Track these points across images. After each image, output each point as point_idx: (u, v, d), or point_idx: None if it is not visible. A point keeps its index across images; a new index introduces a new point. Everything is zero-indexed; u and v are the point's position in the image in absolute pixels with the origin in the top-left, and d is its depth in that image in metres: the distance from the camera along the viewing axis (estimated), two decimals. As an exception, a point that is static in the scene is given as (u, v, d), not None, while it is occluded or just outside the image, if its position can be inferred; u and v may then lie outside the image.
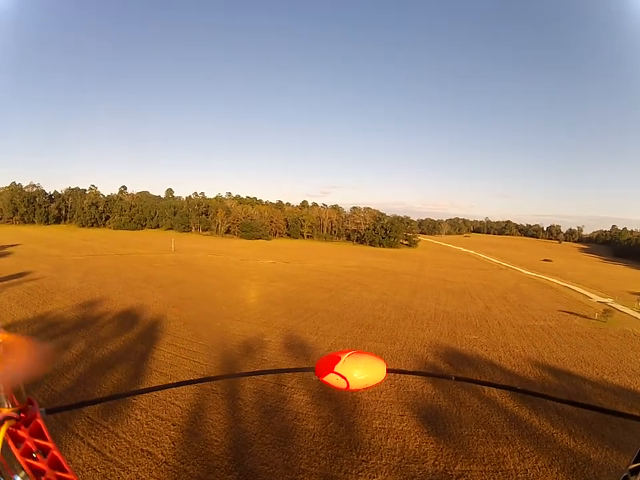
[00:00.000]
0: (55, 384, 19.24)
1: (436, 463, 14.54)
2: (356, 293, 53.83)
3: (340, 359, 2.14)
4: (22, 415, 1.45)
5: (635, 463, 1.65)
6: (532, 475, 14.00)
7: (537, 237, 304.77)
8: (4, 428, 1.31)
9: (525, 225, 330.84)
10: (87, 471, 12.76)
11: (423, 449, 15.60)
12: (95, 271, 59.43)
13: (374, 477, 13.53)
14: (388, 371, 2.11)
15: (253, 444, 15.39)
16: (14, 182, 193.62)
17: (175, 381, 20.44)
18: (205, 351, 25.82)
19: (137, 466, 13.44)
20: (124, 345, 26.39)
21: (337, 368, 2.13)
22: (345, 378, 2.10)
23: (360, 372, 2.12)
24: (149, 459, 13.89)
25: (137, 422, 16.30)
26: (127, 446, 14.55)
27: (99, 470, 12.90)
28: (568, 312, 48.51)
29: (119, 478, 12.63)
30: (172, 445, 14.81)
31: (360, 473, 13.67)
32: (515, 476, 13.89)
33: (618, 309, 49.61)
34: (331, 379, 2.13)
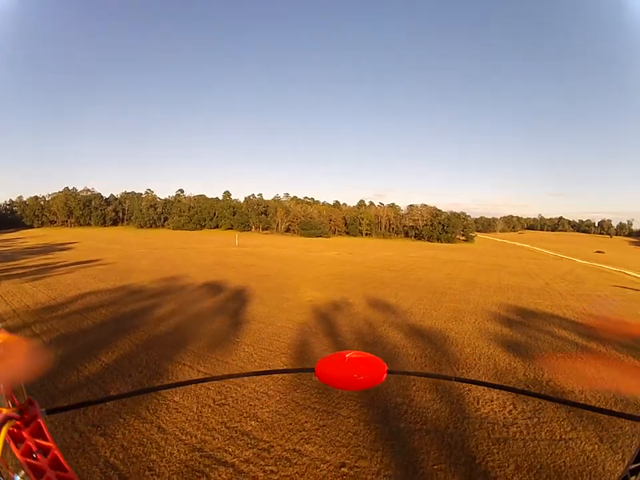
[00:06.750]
0: (154, 330, 21.37)
1: (526, 373, 16.55)
2: (422, 273, 56.73)
3: (340, 359, 2.17)
4: (22, 415, 1.47)
5: (634, 463, 1.68)
6: (608, 380, 15.72)
7: (589, 232, 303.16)
8: (5, 428, 1.33)
9: (577, 221, 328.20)
10: (200, 389, 13.95)
11: (512, 365, 17.61)
12: (164, 258, 63.15)
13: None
14: (388, 372, 2.12)
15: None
16: (67, 187, 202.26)
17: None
18: (295, 308, 28.19)
19: (254, 383, 14.75)
20: (215, 304, 28.77)
21: (337, 369, 2.13)
22: (345, 379, 2.16)
23: (360, 373, 2.10)
24: (266, 377, 15.34)
25: (246, 353, 18.25)
26: (241, 370, 16.27)
27: (212, 388, 14.12)
28: (622, 287, 50.80)
29: (235, 392, 13.82)
30: (285, 366, 16.96)
31: (464, 379, 15.76)
32: (595, 382, 15.64)
33: (671, 285, 50.36)
34: (331, 379, 2.14)
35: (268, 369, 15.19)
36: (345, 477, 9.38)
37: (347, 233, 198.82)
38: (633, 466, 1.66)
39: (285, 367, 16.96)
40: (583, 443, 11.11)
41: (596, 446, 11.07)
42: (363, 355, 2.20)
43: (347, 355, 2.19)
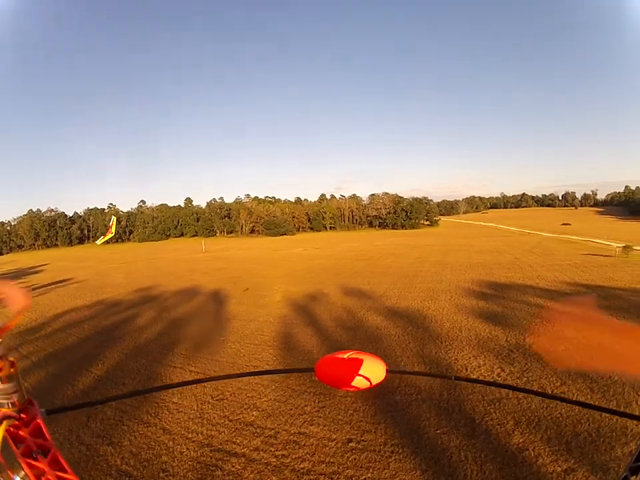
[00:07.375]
0: (138, 338, 21.46)
1: (508, 340, 17.32)
2: (392, 260, 57.56)
3: (340, 359, 2.21)
4: (22, 415, 1.47)
5: (635, 462, 1.67)
6: (589, 338, 16.58)
7: (554, 206, 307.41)
8: (3, 427, 1.34)
9: (541, 196, 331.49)
10: (197, 388, 14.15)
11: (493, 334, 18.36)
12: (135, 271, 61.79)
13: (462, 350, 16.24)
14: (388, 371, 2.19)
15: (350, 347, 17.95)
16: (31, 209, 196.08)
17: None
18: (273, 304, 28.52)
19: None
20: (194, 308, 28.97)
21: (337, 369, 2.21)
22: (345, 379, 2.15)
23: (360, 373, 2.15)
24: (259, 369, 15.83)
25: (233, 349, 18.58)
26: (232, 365, 16.62)
27: (208, 386, 14.39)
28: (591, 254, 52.95)
29: (231, 386, 14.17)
30: (274, 357, 17.28)
31: (449, 350, 16.41)
32: (576, 341, 16.47)
33: (637, 249, 51.97)
34: (331, 379, 2.23)
35: (264, 369, 15.29)
36: (354, 451, 9.72)
37: (311, 229, 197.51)
38: (633, 465, 1.66)
39: (275, 358, 17.17)
40: (576, 395, 11.77)
41: (589, 396, 11.71)
42: (363, 355, 2.19)
43: (346, 355, 2.19)
